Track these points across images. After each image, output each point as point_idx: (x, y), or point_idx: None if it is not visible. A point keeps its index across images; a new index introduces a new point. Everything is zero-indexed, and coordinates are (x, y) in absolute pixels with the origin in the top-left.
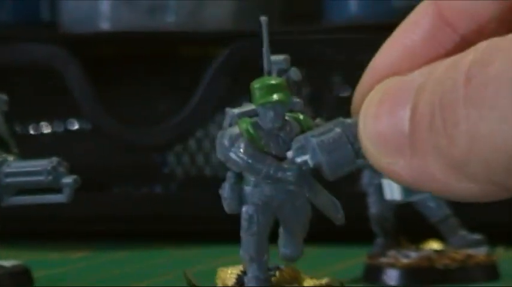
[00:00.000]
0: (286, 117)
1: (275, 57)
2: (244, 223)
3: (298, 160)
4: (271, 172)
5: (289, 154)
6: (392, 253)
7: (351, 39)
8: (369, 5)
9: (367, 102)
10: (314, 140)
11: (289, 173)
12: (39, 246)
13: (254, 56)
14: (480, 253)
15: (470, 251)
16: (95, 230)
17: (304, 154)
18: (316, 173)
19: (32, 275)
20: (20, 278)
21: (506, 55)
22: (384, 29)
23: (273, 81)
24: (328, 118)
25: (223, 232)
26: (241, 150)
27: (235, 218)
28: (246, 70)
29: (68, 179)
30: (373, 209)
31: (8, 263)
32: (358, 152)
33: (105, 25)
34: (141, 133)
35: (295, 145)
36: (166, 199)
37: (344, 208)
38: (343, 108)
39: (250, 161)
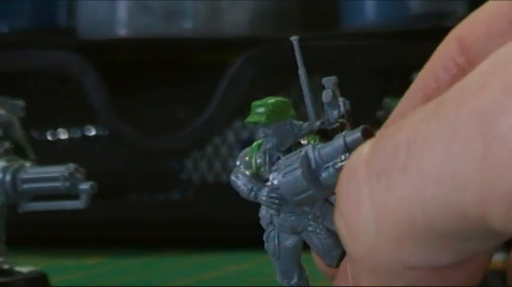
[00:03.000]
0: (303, 141)
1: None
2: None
3: (275, 182)
4: (252, 193)
5: (271, 176)
6: None
7: (367, 45)
8: (385, 10)
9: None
10: (279, 162)
11: (262, 195)
12: (55, 252)
13: (271, 62)
14: (497, 259)
15: None
16: (111, 237)
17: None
18: None
19: (48, 281)
20: (37, 284)
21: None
22: (400, 34)
23: (259, 102)
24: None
25: (240, 238)
26: (236, 168)
27: (252, 225)
28: (263, 76)
29: (84, 186)
30: None
31: (24, 269)
32: (315, 180)
33: (122, 31)
34: (158, 139)
35: (274, 167)
36: (184, 205)
37: None
38: (361, 114)
39: (235, 179)
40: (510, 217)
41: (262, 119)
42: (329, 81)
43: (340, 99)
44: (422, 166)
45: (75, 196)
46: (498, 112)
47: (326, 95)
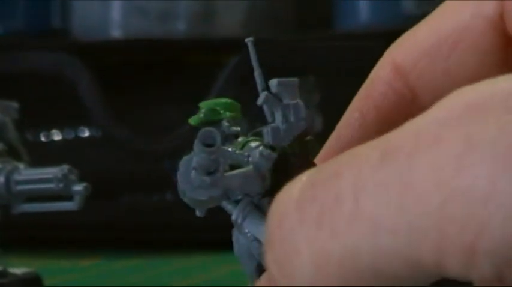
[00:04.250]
0: (253, 144)
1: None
2: None
3: None
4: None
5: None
6: None
7: (361, 46)
8: (380, 11)
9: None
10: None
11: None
12: (49, 253)
13: (265, 63)
14: None
15: None
16: (105, 238)
17: None
18: None
19: (42, 283)
20: (31, 285)
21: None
22: (395, 35)
23: (204, 103)
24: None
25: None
26: None
27: None
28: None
29: (78, 187)
30: None
31: (19, 270)
32: (190, 185)
33: (116, 33)
34: (152, 141)
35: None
36: (177, 206)
37: None
38: None
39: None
40: (469, 267)
41: (193, 121)
42: (272, 83)
43: (291, 102)
44: (374, 216)
45: (69, 197)
46: (457, 167)
47: (260, 98)
